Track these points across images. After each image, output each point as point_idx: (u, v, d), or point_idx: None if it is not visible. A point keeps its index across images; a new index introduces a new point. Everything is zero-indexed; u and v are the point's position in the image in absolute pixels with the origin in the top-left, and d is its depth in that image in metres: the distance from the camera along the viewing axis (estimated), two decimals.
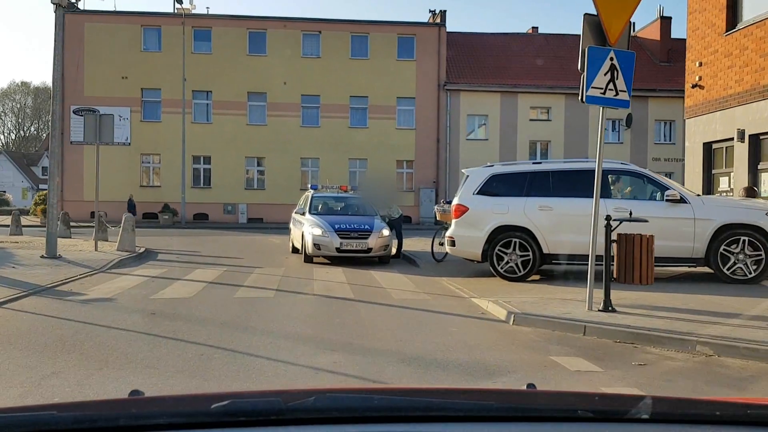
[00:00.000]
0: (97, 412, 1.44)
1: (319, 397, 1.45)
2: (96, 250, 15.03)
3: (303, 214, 15.48)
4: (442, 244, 13.94)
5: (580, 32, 7.49)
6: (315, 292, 9.77)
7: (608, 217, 7.71)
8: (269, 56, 35.22)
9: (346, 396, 1.57)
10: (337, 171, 33.02)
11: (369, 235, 14.11)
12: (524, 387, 1.69)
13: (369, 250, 14.04)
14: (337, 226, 14.21)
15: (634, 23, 43.28)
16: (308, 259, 14.27)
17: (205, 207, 34.89)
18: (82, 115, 35.18)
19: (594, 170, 10.99)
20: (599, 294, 7.74)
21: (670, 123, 37.82)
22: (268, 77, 34.98)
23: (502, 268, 10.93)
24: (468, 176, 11.49)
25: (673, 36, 40.37)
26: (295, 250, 16.11)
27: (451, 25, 79.99)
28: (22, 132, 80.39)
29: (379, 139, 35.36)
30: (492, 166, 11.67)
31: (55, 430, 1.32)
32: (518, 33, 42.27)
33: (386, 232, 14.47)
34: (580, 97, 7.48)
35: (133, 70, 34.72)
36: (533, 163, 11.79)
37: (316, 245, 14.02)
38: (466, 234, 11.16)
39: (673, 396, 1.81)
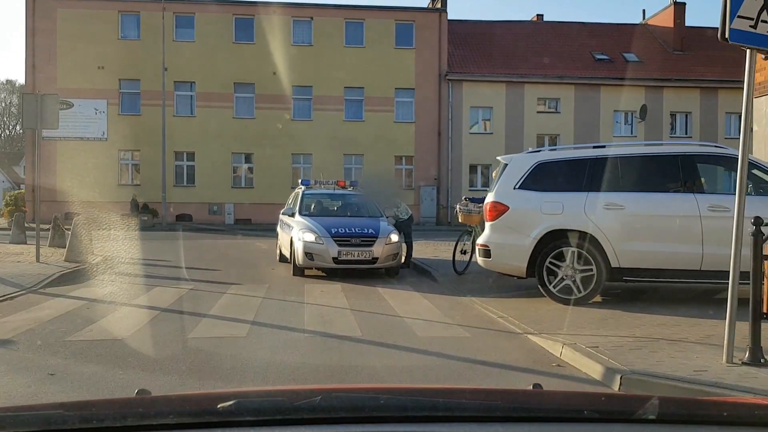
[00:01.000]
0: (104, 411, 1.42)
1: (325, 396, 1.43)
2: (38, 261, 12.24)
3: (292, 215, 12.69)
4: (464, 252, 11.26)
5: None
6: (306, 326, 7.01)
7: (758, 220, 5.00)
8: (257, 44, 32.69)
9: (353, 396, 1.56)
10: (331, 167, 30.37)
11: (374, 241, 11.36)
12: (530, 387, 1.67)
13: (374, 260, 11.28)
14: (334, 231, 11.45)
15: (644, 10, 40.89)
16: (298, 271, 11.52)
17: (189, 207, 32.37)
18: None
19: (680, 155, 8.35)
20: (738, 333, 5.05)
21: (687, 115, 35.48)
22: (255, 67, 32.48)
23: (554, 287, 8.21)
24: (506, 165, 8.74)
25: (687, 24, 37.98)
26: (283, 259, 13.36)
27: (452, 13, 76.84)
28: (7, 131, 77.24)
29: (376, 134, 33.01)
30: (538, 151, 8.92)
31: (63, 428, 1.30)
32: (523, 21, 39.90)
33: (395, 237, 11.71)
34: (720, 33, 4.78)
35: (110, 59, 32.13)
36: (594, 146, 9.04)
37: (308, 254, 11.26)
38: (506, 241, 8.43)
39: (680, 397, 1.96)
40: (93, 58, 31.87)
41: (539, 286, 8.33)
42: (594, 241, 8.06)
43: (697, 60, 35.84)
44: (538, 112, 34.58)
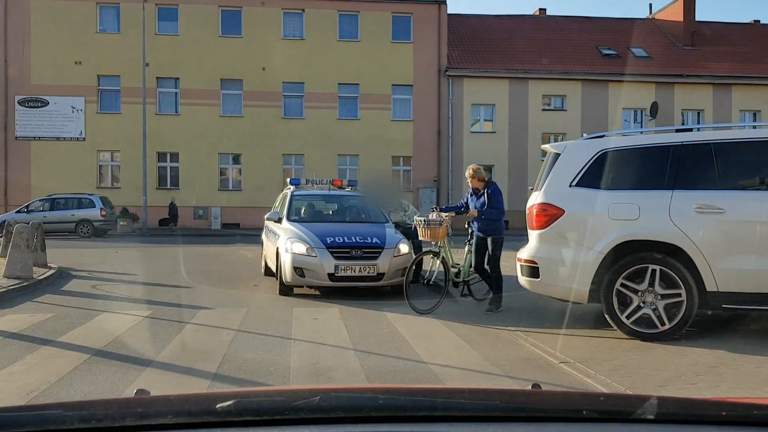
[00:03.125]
0: (103, 411, 1.42)
1: (323, 396, 1.44)
2: None
3: (279, 221, 10.50)
4: (431, 283, 8.58)
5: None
6: (293, 381, 4.84)
7: None
8: (245, 38, 31.01)
9: (351, 395, 1.55)
10: (324, 168, 28.43)
11: (379, 253, 9.18)
12: (529, 387, 1.66)
13: (379, 276, 9.11)
14: (329, 240, 9.28)
15: (651, 4, 39.16)
16: (286, 290, 9.37)
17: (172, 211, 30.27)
18: (28, 107, 31.02)
19: None
20: None
21: (699, 112, 33.77)
22: (243, 62, 30.77)
23: (628, 318, 6.10)
24: (558, 155, 6.62)
25: (697, 18, 36.40)
26: (269, 272, 11.22)
27: (452, 7, 74.52)
28: None
29: (372, 133, 31.25)
30: (601, 136, 6.80)
31: (62, 428, 1.31)
32: (525, 15, 38.30)
33: (405, 248, 9.55)
34: None
35: (87, 54, 30.35)
36: (677, 130, 6.94)
37: (298, 270, 9.09)
38: (561, 256, 6.31)
39: (680, 396, 1.86)
40: (70, 52, 30.16)
41: (606, 316, 6.22)
42: (683, 256, 5.95)
43: (708, 55, 34.37)
44: (543, 109, 32.98)
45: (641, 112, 33.57)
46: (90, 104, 30.67)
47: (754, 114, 33.78)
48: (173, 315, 7.63)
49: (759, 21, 38.61)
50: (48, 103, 30.68)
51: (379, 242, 9.36)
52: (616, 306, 6.12)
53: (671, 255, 6.00)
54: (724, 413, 1.46)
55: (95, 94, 30.78)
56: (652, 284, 6.03)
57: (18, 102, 30.59)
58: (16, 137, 30.54)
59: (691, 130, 6.95)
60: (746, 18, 63.93)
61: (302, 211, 11.00)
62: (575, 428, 1.40)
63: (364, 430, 1.34)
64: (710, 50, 34.76)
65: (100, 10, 31.04)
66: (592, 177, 6.32)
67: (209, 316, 7.66)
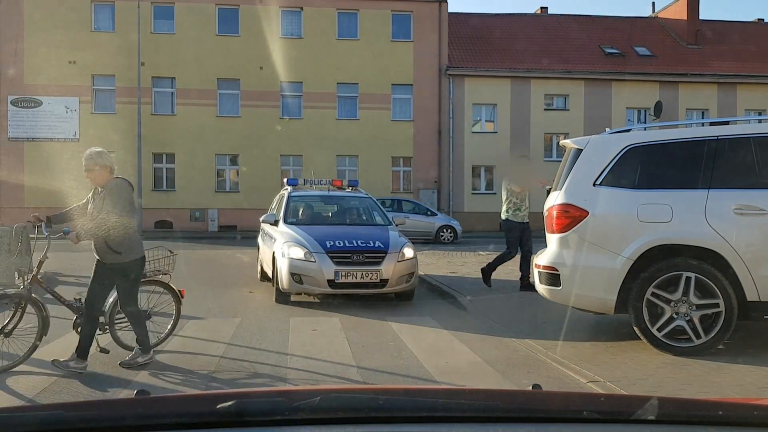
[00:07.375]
0: (103, 411, 1.42)
1: (324, 397, 1.43)
2: None
3: (275, 223, 9.91)
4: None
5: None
6: None
7: None
8: (242, 37, 30.40)
9: (351, 396, 1.54)
10: (323, 169, 27.90)
11: (382, 257, 8.57)
12: (530, 388, 1.63)
13: (383, 282, 8.51)
14: (329, 244, 8.67)
15: (654, 2, 38.79)
16: (283, 297, 8.77)
17: (168, 213, 29.93)
18: (21, 107, 30.47)
19: None
20: None
21: (703, 112, 33.30)
22: (241, 61, 30.16)
23: (659, 330, 5.52)
24: (580, 151, 6.03)
25: (701, 17, 36.01)
26: (265, 277, 10.63)
27: (452, 5, 73.44)
28: None
29: (372, 133, 30.67)
30: (627, 130, 6.22)
31: (62, 429, 1.30)
32: (527, 14, 37.89)
33: (410, 252, 8.94)
34: None
35: (82, 53, 29.58)
36: (711, 123, 6.37)
37: (296, 276, 8.48)
38: (585, 262, 5.73)
39: (680, 397, 1.84)
40: (63, 52, 29.39)
41: (635, 329, 5.63)
42: (721, 262, 5.38)
43: (712, 54, 33.97)
44: (545, 109, 32.45)
45: (645, 111, 33.12)
46: (84, 104, 30.07)
47: (759, 113, 33.38)
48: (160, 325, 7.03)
49: (763, 20, 38.18)
50: (41, 103, 30.16)
51: (382, 246, 8.74)
52: (646, 317, 5.54)
53: (707, 261, 5.42)
54: (724, 414, 1.46)
55: (89, 94, 30.19)
56: (686, 293, 5.45)
57: (11, 102, 30.04)
58: (9, 138, 29.99)
59: (728, 122, 6.36)
60: (750, 17, 63.40)
61: (300, 213, 10.38)
62: (576, 429, 1.40)
63: (364, 430, 1.33)
64: (714, 49, 34.38)
65: (95, 8, 30.47)
66: (618, 175, 5.74)
67: (199, 327, 7.07)
